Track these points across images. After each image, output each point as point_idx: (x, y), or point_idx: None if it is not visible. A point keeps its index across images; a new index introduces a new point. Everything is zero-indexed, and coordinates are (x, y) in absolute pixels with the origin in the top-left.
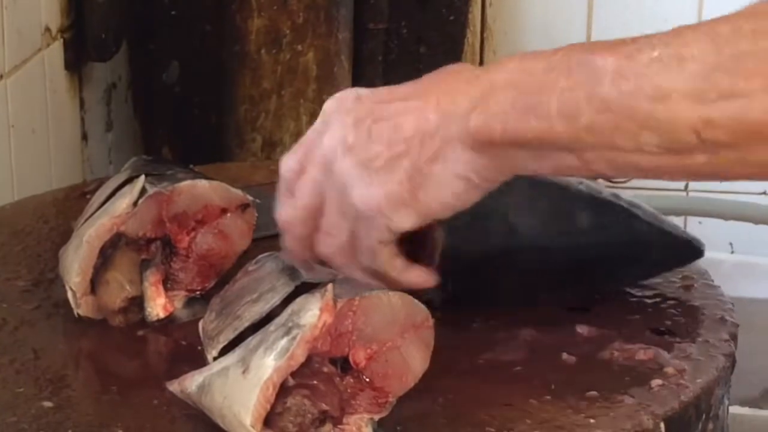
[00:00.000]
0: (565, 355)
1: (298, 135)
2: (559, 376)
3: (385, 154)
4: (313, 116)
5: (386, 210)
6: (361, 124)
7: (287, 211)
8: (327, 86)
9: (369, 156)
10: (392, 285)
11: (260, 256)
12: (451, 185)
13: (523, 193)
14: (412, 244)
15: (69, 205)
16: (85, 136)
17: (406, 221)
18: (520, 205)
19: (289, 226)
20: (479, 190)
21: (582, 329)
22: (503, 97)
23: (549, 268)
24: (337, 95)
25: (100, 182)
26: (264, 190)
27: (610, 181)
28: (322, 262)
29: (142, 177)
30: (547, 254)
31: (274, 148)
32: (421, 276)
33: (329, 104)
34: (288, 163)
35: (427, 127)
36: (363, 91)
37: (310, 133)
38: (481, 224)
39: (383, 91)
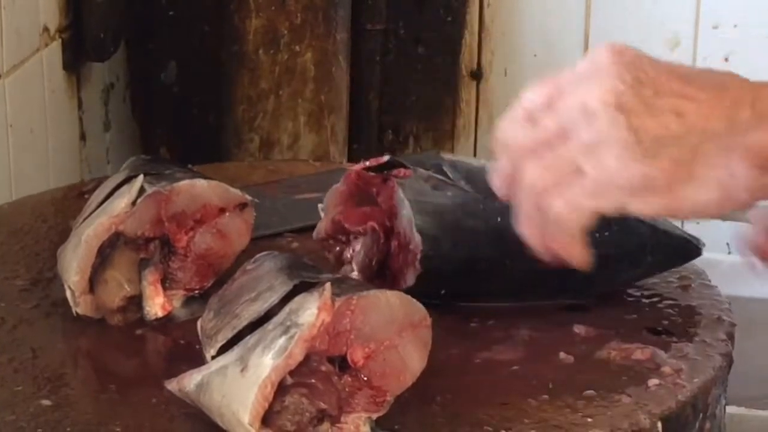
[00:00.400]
0: (562, 355)
1: (295, 135)
2: (557, 376)
3: (658, 133)
4: (311, 116)
5: (633, 190)
6: (642, 89)
7: (521, 131)
8: (325, 87)
9: (640, 126)
10: (551, 245)
11: (259, 255)
12: (711, 192)
13: None
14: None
15: (67, 205)
16: (83, 136)
17: (646, 208)
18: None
19: (516, 144)
20: (736, 204)
21: (579, 329)
22: None
23: (542, 269)
24: (614, 46)
25: (99, 182)
26: (262, 190)
27: None
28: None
29: (141, 176)
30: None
31: (271, 148)
32: (581, 258)
33: (603, 53)
34: (535, 93)
35: (712, 128)
36: (643, 53)
37: (568, 73)
38: (470, 227)
39: (665, 65)
